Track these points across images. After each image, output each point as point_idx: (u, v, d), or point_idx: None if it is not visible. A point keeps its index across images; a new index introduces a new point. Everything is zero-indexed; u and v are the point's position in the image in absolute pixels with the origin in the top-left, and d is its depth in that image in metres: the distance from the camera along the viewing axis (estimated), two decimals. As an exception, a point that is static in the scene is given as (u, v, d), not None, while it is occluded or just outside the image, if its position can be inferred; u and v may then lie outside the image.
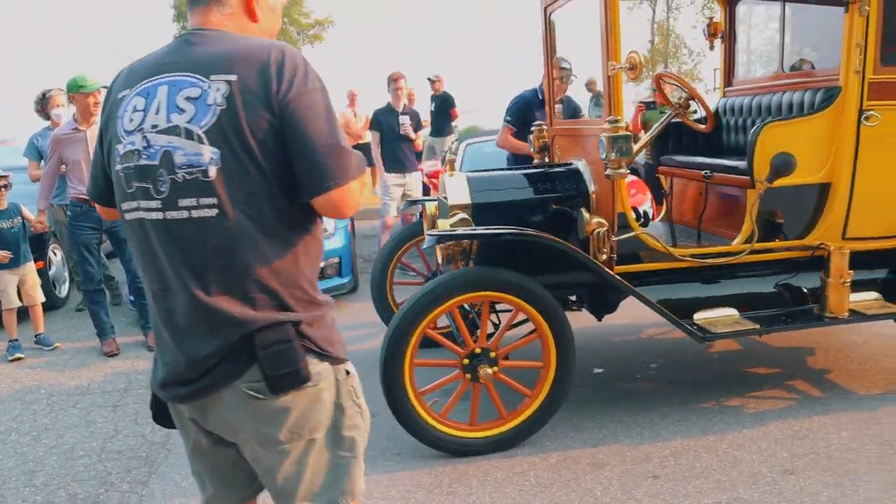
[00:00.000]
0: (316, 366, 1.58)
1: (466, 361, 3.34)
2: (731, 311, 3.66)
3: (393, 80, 6.65)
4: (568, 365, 3.37)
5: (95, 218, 4.93)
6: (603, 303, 3.96)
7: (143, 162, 1.51)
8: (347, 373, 1.67)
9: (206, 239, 1.49)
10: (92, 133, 4.89)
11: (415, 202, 5.83)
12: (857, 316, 3.64)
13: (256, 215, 1.49)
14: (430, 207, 4.31)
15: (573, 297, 4.12)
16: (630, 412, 3.76)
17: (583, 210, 3.54)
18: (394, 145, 6.63)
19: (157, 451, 3.65)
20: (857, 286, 3.78)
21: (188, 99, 1.49)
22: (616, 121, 3.32)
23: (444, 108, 9.55)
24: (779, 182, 3.58)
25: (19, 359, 5.19)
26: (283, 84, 1.46)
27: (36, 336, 5.50)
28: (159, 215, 1.51)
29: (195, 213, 1.49)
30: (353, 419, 1.68)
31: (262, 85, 1.46)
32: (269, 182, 1.48)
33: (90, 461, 3.59)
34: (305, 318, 1.56)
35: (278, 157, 1.48)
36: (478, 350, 3.34)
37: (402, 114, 6.60)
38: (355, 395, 1.69)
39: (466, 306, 3.77)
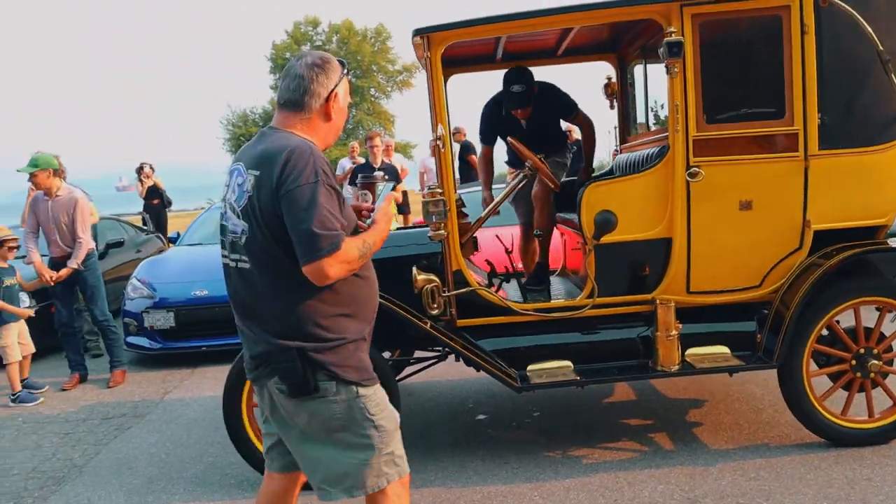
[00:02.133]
0: (324, 382, 2.11)
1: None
2: (566, 363, 3.80)
3: (369, 139, 7.18)
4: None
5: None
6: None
7: (222, 222, 2.24)
8: (358, 393, 2.14)
9: (244, 283, 2.16)
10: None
11: None
12: (688, 368, 3.68)
13: (271, 273, 2.09)
14: None
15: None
16: (478, 457, 3.95)
17: (413, 268, 3.84)
18: (372, 199, 7.08)
19: (72, 473, 4.26)
20: (711, 338, 3.84)
21: (238, 185, 2.14)
22: (433, 187, 3.63)
23: (462, 157, 9.98)
24: (615, 238, 3.73)
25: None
26: (281, 180, 2.01)
27: (23, 380, 5.90)
28: (228, 261, 2.22)
29: (239, 265, 2.16)
30: (364, 429, 2.15)
31: (270, 181, 2.03)
32: (278, 250, 2.05)
33: (18, 479, 4.25)
34: (310, 347, 2.08)
35: (284, 232, 2.03)
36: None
37: (379, 169, 7.08)
38: (367, 411, 2.15)
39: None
